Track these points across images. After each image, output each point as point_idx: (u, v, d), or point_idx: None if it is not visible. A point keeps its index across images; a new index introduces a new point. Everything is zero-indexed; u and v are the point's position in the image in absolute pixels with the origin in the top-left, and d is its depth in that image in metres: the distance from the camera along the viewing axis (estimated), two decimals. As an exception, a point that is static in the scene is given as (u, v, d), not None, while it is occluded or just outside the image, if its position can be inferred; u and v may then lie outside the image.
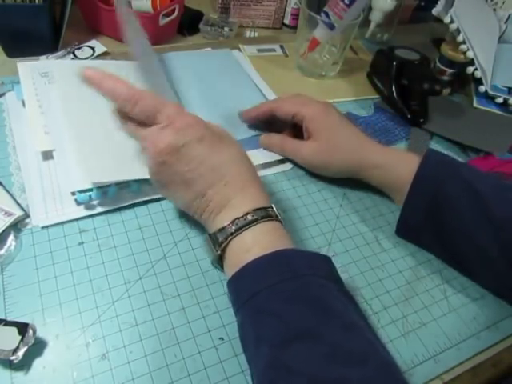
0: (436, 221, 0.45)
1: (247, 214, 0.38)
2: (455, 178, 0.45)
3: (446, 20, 0.68)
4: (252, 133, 0.58)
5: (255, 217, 0.38)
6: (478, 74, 0.70)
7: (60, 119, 0.51)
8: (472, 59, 0.69)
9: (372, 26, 0.82)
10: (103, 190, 0.46)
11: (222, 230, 0.38)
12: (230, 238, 0.38)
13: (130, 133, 0.41)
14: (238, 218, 0.38)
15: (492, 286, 0.45)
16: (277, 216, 0.40)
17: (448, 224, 0.45)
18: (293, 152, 0.54)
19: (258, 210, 0.38)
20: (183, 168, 0.39)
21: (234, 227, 0.37)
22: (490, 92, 0.70)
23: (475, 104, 0.72)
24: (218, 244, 0.38)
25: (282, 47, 0.78)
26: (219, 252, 0.38)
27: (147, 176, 0.43)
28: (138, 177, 0.47)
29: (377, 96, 0.71)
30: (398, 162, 0.49)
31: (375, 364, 0.30)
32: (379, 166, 0.49)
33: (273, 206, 0.40)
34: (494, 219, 0.42)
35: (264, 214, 0.38)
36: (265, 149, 0.56)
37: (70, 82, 0.55)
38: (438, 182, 0.45)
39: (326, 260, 0.39)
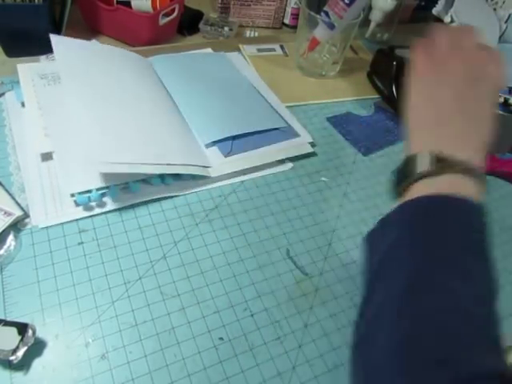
0: None
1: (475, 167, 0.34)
2: None
3: (446, 20, 0.68)
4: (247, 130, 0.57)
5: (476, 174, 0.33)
6: None
7: (61, 120, 0.51)
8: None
9: (372, 25, 0.82)
10: (102, 191, 0.46)
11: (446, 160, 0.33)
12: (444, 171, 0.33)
13: None
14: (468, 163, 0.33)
15: None
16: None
17: None
18: None
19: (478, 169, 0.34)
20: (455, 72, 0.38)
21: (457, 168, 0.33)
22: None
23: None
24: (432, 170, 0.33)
25: (281, 47, 0.78)
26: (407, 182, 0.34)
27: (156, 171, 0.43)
28: (150, 171, 0.47)
29: (377, 96, 0.71)
30: None
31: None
32: None
33: None
34: None
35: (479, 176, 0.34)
36: (226, 154, 0.52)
37: (76, 61, 0.56)
38: None
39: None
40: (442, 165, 0.33)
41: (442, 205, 0.33)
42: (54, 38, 0.56)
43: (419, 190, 0.34)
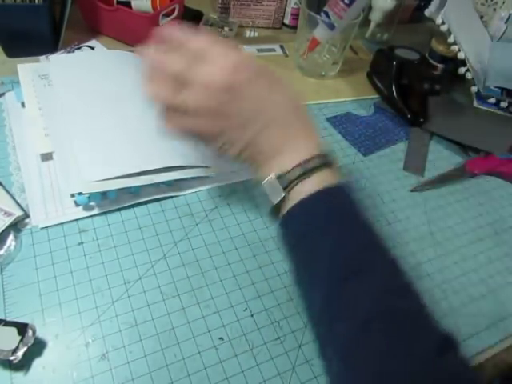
0: None
1: (313, 157, 0.35)
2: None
3: (438, 21, 0.68)
4: None
5: (323, 161, 0.35)
6: (469, 75, 0.70)
7: (61, 118, 0.51)
8: (463, 60, 0.69)
9: (372, 25, 0.82)
10: (103, 192, 0.46)
11: (286, 173, 0.35)
12: (296, 181, 0.35)
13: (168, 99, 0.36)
14: (306, 160, 0.35)
15: None
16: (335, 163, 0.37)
17: None
18: None
19: (322, 155, 0.36)
20: (240, 106, 0.35)
21: (299, 170, 0.35)
22: (483, 93, 0.71)
23: (475, 104, 0.72)
24: (285, 186, 0.35)
25: (281, 47, 0.78)
26: (284, 194, 0.35)
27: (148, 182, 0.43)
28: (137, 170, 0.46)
29: (377, 96, 0.71)
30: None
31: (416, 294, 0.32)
32: None
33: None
34: None
35: (327, 161, 0.36)
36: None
37: (70, 75, 0.56)
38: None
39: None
40: (292, 176, 0.35)
41: (321, 203, 0.35)
42: (53, 57, 0.58)
43: (293, 199, 0.35)
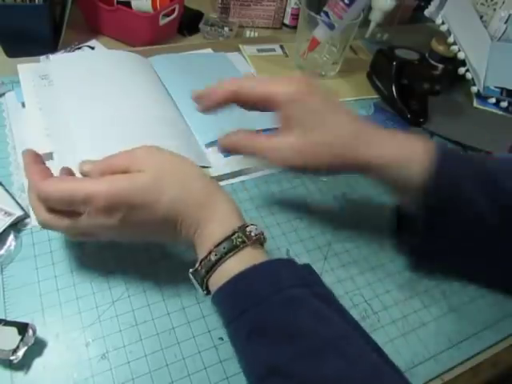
0: (456, 233, 0.40)
1: (210, 253, 0.33)
2: (478, 179, 0.39)
3: (438, 21, 0.68)
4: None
5: (217, 256, 0.33)
6: (469, 75, 0.70)
7: (62, 119, 0.51)
8: (463, 60, 0.69)
9: (372, 25, 0.82)
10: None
11: (194, 272, 0.35)
12: (204, 279, 0.34)
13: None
14: (203, 259, 0.34)
15: None
16: (244, 241, 0.33)
17: (469, 234, 0.40)
18: (266, 152, 0.41)
19: (221, 243, 0.33)
20: (139, 232, 0.37)
21: (203, 270, 0.34)
22: (483, 93, 0.71)
23: (475, 104, 0.72)
24: (199, 283, 0.35)
25: (281, 47, 0.78)
26: (205, 292, 0.35)
27: None
28: None
29: (377, 96, 0.71)
30: (406, 161, 0.39)
31: None
32: (381, 167, 0.39)
33: (237, 229, 0.34)
34: None
35: (229, 247, 0.33)
36: (226, 154, 0.50)
37: (70, 75, 0.56)
38: (459, 188, 0.38)
39: (290, 263, 0.35)
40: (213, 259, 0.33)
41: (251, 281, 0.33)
42: (54, 57, 0.59)
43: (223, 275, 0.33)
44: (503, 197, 0.39)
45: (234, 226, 0.34)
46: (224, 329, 0.34)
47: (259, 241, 0.35)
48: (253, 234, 0.34)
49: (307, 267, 0.36)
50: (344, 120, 0.40)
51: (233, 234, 0.34)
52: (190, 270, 0.35)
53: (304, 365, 0.29)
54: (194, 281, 0.35)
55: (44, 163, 0.38)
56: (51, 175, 0.37)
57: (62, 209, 0.35)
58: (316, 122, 0.39)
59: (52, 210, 0.35)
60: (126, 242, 0.41)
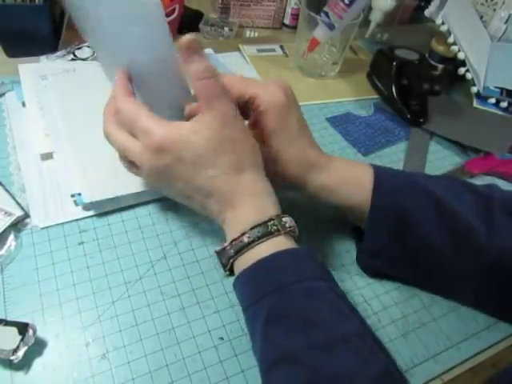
0: (402, 240, 0.41)
1: (243, 234, 0.34)
2: (414, 189, 0.41)
3: (438, 21, 0.68)
4: None
5: (250, 238, 0.34)
6: (469, 75, 0.70)
7: (60, 122, 0.51)
8: (463, 60, 0.69)
9: (372, 25, 0.82)
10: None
11: (222, 251, 0.36)
12: (231, 259, 0.35)
13: (120, 142, 0.38)
14: (234, 240, 0.35)
15: (470, 297, 0.43)
16: (278, 229, 0.35)
17: (416, 239, 0.40)
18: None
19: (255, 227, 0.35)
20: (174, 186, 0.38)
21: (232, 250, 0.35)
22: (483, 93, 0.71)
23: (475, 104, 0.72)
24: (224, 263, 0.37)
25: (281, 47, 0.78)
26: (227, 273, 0.37)
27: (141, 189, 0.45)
28: (134, 191, 0.46)
29: (377, 96, 0.71)
30: (347, 185, 0.42)
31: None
32: (327, 190, 0.42)
33: (274, 217, 0.35)
34: (461, 225, 0.39)
35: (264, 232, 0.34)
36: None
37: (66, 85, 0.56)
38: (398, 199, 0.40)
39: (309, 255, 0.36)
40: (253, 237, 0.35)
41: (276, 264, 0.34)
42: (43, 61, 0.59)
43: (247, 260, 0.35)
44: (449, 215, 0.40)
45: (270, 213, 0.36)
46: (242, 311, 0.35)
47: (292, 233, 0.36)
48: (287, 225, 0.36)
49: (324, 264, 0.37)
50: (306, 145, 0.42)
51: (269, 220, 0.35)
52: (217, 249, 0.36)
53: (317, 357, 0.30)
54: (218, 259, 0.36)
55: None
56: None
57: (125, 129, 0.38)
58: (285, 139, 0.41)
59: (120, 124, 0.38)
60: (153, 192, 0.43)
